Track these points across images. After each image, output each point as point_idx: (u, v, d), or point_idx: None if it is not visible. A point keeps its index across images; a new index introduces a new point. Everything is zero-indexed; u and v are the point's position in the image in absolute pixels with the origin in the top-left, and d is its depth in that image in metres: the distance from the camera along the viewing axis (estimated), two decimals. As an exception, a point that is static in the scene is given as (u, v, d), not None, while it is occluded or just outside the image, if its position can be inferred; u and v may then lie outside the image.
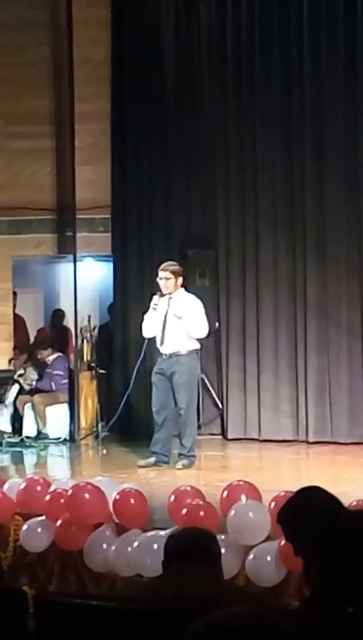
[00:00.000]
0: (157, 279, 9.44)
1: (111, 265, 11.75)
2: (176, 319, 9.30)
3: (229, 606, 1.97)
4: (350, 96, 10.69)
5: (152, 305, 9.39)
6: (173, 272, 9.43)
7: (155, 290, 9.54)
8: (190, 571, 3.62)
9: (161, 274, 9.42)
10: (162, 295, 9.39)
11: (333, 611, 3.08)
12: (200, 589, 3.47)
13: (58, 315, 13.04)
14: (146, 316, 9.48)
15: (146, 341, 9.57)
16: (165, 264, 9.54)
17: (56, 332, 12.67)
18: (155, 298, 9.41)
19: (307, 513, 3.75)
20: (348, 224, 10.73)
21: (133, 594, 3.95)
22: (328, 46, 10.74)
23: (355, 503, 5.94)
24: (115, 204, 11.58)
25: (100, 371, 11.62)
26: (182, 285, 9.53)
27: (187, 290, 9.58)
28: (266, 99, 11.01)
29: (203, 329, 9.39)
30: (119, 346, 11.45)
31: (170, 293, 9.39)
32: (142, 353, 9.70)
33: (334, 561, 3.12)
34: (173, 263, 9.62)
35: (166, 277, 9.39)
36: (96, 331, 11.82)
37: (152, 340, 9.48)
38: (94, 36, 11.63)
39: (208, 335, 9.66)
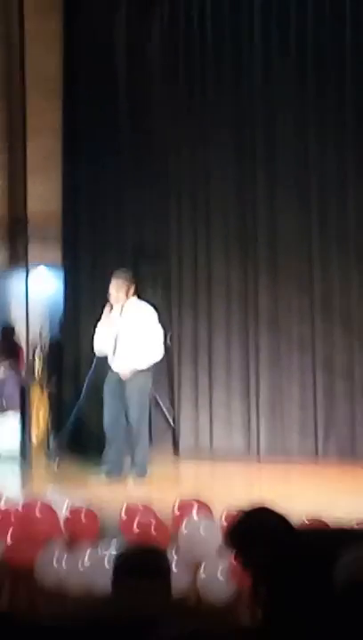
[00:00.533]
0: (109, 289, 9.43)
1: (62, 275, 11.71)
2: (128, 335, 9.28)
3: (175, 624, 1.96)
4: (301, 108, 10.72)
5: (103, 317, 9.40)
6: (124, 280, 9.44)
7: (106, 301, 9.52)
8: (139, 589, 3.61)
9: (113, 282, 9.45)
10: (112, 308, 9.37)
11: (284, 629, 3.08)
12: (149, 607, 3.46)
13: (7, 331, 12.91)
14: (97, 329, 9.45)
15: (97, 355, 9.53)
16: (116, 272, 9.55)
17: (7, 349, 12.54)
18: (106, 310, 9.42)
19: (255, 532, 3.75)
20: (299, 237, 10.77)
21: (82, 612, 3.93)
22: (280, 58, 10.78)
23: (305, 521, 5.95)
24: (66, 217, 11.55)
25: (50, 386, 11.56)
26: (134, 294, 9.52)
27: (140, 298, 9.58)
28: (218, 113, 11.03)
29: (156, 354, 9.41)
30: (70, 360, 11.39)
31: (122, 304, 9.37)
32: (92, 367, 9.65)
33: (282, 578, 3.12)
34: (125, 270, 9.64)
35: (118, 286, 9.40)
36: (46, 345, 11.74)
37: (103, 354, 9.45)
38: (46, 48, 11.58)
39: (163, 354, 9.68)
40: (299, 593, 3.08)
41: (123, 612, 3.46)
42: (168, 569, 3.87)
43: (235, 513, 4.12)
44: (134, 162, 11.32)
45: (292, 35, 10.76)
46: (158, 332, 9.42)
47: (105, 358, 9.44)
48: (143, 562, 3.76)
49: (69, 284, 11.52)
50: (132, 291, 9.46)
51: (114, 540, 6.46)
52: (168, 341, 10.73)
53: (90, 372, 9.75)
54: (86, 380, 9.89)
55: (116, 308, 9.37)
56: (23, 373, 11.67)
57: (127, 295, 9.41)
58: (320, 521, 5.95)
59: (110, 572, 3.90)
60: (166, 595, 3.82)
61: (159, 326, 9.46)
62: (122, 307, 9.38)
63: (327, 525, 5.70)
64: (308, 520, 5.96)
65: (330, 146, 10.68)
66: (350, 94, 10.59)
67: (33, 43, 11.43)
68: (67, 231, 11.55)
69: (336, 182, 10.65)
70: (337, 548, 3.17)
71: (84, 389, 10.04)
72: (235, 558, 4.13)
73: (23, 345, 11.58)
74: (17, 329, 12.39)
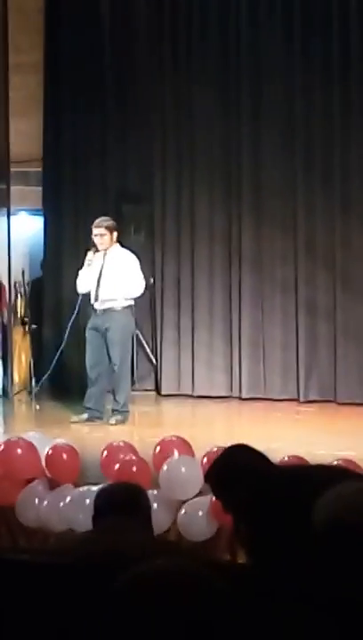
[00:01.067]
0: (92, 235, 9.38)
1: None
2: (111, 275, 9.26)
3: (155, 560, 1.97)
4: (288, 49, 10.64)
5: (86, 261, 9.35)
6: (107, 227, 9.37)
7: (89, 245, 9.48)
8: (120, 525, 3.63)
9: (95, 230, 9.36)
10: (97, 251, 9.34)
11: (266, 566, 3.11)
12: (129, 543, 3.48)
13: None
14: (80, 272, 9.43)
15: (80, 297, 9.51)
16: (98, 220, 9.47)
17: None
18: (89, 254, 9.37)
19: (234, 470, 3.77)
20: (284, 180, 10.73)
21: (63, 548, 3.95)
22: (267, 9, 10.69)
23: (286, 459, 5.99)
24: (47, 158, 11.46)
25: (33, 326, 11.53)
26: (117, 241, 9.48)
27: (122, 245, 9.54)
28: (202, 53, 10.95)
29: (138, 288, 9.37)
30: (52, 302, 11.37)
31: (105, 249, 9.34)
32: (76, 309, 9.64)
33: (263, 516, 3.14)
34: (107, 219, 9.55)
35: (101, 234, 9.34)
36: (29, 286, 11.71)
37: (86, 295, 9.43)
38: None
39: (144, 293, 9.64)
40: (279, 530, 3.11)
41: (103, 549, 3.49)
42: (148, 506, 3.90)
43: (216, 451, 4.14)
44: (118, 104, 11.24)
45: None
46: (140, 274, 9.39)
47: (87, 301, 9.42)
48: (123, 498, 3.78)
49: (51, 227, 11.46)
50: (115, 237, 9.41)
51: (96, 479, 6.49)
52: (151, 282, 10.73)
53: (73, 314, 9.73)
54: (70, 321, 9.88)
55: (99, 254, 9.33)
56: (5, 313, 11.65)
57: (110, 242, 9.36)
58: (300, 458, 6.00)
59: (91, 510, 3.92)
60: (147, 531, 3.85)
61: (140, 272, 9.42)
62: (105, 252, 9.34)
63: (306, 463, 5.74)
64: (288, 457, 6.01)
65: (316, 88, 10.61)
66: (338, 44, 10.48)
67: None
68: (48, 174, 11.49)
69: (322, 125, 10.59)
70: (317, 484, 3.20)
71: (67, 331, 10.03)
72: (215, 496, 4.16)
73: (5, 286, 11.54)
74: (-1, 269, 12.33)
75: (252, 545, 3.31)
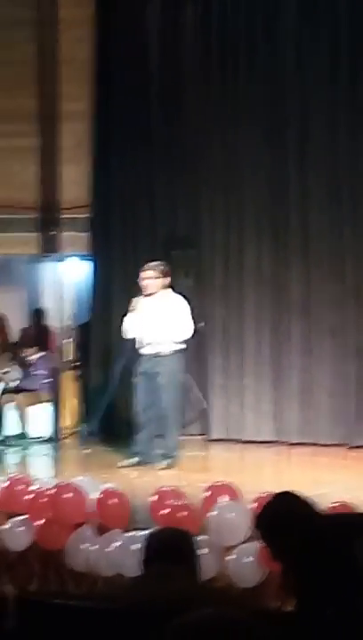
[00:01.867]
0: (142, 279, 9.43)
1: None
2: (160, 320, 9.30)
3: (205, 607, 1.99)
4: (334, 98, 10.70)
5: (130, 308, 9.39)
6: (159, 272, 9.41)
7: (138, 290, 9.52)
8: (168, 571, 3.64)
9: (147, 273, 9.41)
10: (147, 295, 9.38)
11: (314, 614, 3.10)
12: (177, 590, 3.49)
13: (39, 314, 13.01)
14: (125, 319, 9.47)
15: (127, 342, 9.56)
16: (150, 264, 9.52)
17: (39, 331, 12.64)
18: (134, 300, 9.42)
19: (284, 518, 3.76)
20: (331, 224, 10.74)
21: (112, 594, 3.97)
22: (313, 47, 10.76)
23: (333, 505, 5.96)
24: (96, 204, 11.58)
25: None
26: (169, 286, 9.52)
27: (173, 290, 9.57)
28: (251, 100, 11.02)
29: (187, 331, 9.40)
30: (100, 346, 11.44)
31: (154, 293, 9.38)
32: (125, 353, 9.68)
33: (310, 565, 3.14)
34: (160, 263, 9.58)
35: (152, 277, 9.39)
36: (77, 331, 11.81)
37: (133, 340, 9.47)
38: (80, 34, 11.62)
39: (193, 335, 9.66)
40: (327, 578, 3.10)
41: (151, 595, 3.50)
42: (196, 552, 3.90)
43: (264, 497, 4.14)
44: (166, 149, 11.34)
45: (324, 19, 10.70)
46: (189, 319, 9.41)
47: (135, 344, 9.46)
48: (171, 543, 3.79)
49: (99, 271, 11.56)
50: (166, 282, 9.45)
51: (145, 524, 6.50)
52: (200, 327, 10.75)
53: (120, 357, 9.77)
54: (118, 366, 9.92)
55: (149, 298, 9.37)
56: (55, 356, 11.75)
57: (158, 286, 9.40)
58: (345, 505, 5.96)
59: (140, 555, 3.94)
60: (194, 577, 3.86)
61: (190, 316, 9.44)
62: (154, 297, 9.38)
63: (351, 510, 5.71)
64: (335, 504, 5.97)
65: (362, 133, 10.63)
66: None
67: (66, 28, 11.48)
68: (97, 218, 11.59)
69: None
70: (360, 531, 3.19)
71: (115, 374, 10.08)
72: (265, 544, 4.16)
73: (56, 330, 11.66)
74: (48, 314, 12.48)
75: (300, 593, 3.30)
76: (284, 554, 3.63)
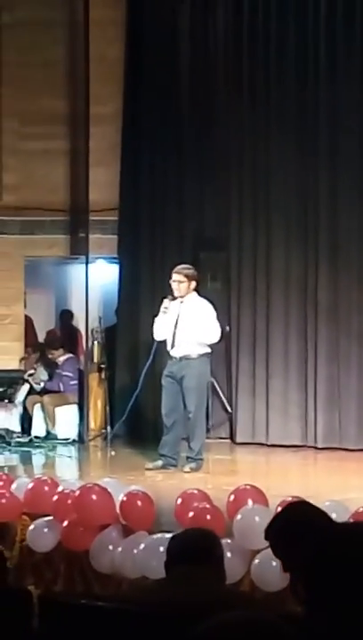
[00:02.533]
0: (171, 281, 9.44)
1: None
2: (188, 323, 9.30)
3: (230, 610, 1.98)
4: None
5: (162, 308, 9.39)
6: (186, 275, 9.41)
7: (167, 292, 9.53)
8: (193, 574, 3.62)
9: (174, 276, 9.41)
10: (173, 298, 9.39)
11: (324, 626, 3.06)
12: (202, 593, 3.48)
13: (66, 315, 13.04)
14: (156, 319, 9.48)
15: (155, 344, 9.57)
16: (179, 267, 9.52)
17: (66, 333, 12.68)
18: (165, 301, 9.41)
19: (294, 528, 3.69)
20: (360, 229, 10.71)
21: (137, 596, 3.96)
22: (345, 53, 10.73)
23: (361, 510, 5.93)
24: (123, 207, 11.60)
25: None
26: (195, 290, 9.52)
27: (199, 294, 9.58)
28: (281, 101, 11.01)
29: (215, 335, 9.39)
30: (126, 348, 11.46)
31: (181, 297, 9.39)
32: (151, 355, 9.70)
33: (321, 576, 3.10)
34: (189, 267, 9.58)
35: (180, 280, 9.39)
36: (104, 333, 11.83)
37: (162, 342, 9.48)
38: (110, 36, 11.65)
39: (220, 340, 9.66)
40: (338, 592, 3.06)
41: (176, 598, 3.49)
42: (221, 554, 3.87)
43: (290, 501, 4.10)
44: (194, 151, 11.34)
45: (357, 28, 10.68)
46: (215, 322, 9.41)
47: (163, 347, 9.47)
48: (196, 546, 3.76)
49: (127, 274, 11.57)
50: (193, 286, 9.45)
51: (170, 526, 6.49)
52: (227, 330, 10.76)
53: (148, 360, 9.80)
54: (145, 368, 9.94)
55: (176, 302, 9.38)
56: (82, 358, 11.77)
57: (187, 289, 9.40)
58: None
59: (164, 558, 3.92)
60: (220, 580, 3.83)
61: (216, 320, 9.44)
62: (181, 301, 9.39)
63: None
64: (360, 510, 5.94)
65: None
66: None
67: (96, 31, 11.50)
68: (125, 222, 11.61)
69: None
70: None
71: (141, 376, 10.10)
72: (274, 555, 4.06)
73: (83, 332, 11.68)
74: (75, 315, 12.50)
75: (309, 607, 3.26)
76: (295, 565, 3.57)
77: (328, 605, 2.99)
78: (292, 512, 3.89)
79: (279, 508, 6.09)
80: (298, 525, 3.69)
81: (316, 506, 3.88)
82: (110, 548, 6.46)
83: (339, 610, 2.97)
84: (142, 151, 11.51)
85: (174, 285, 9.39)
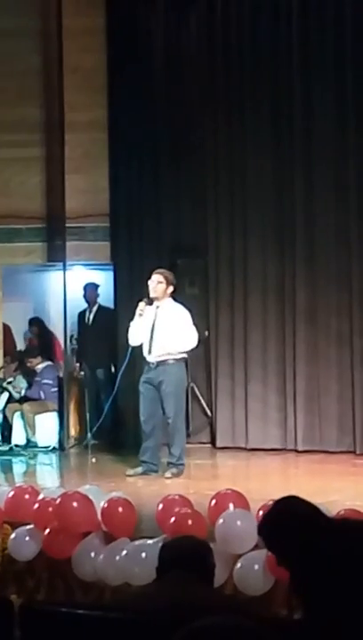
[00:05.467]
0: (149, 281, 9.43)
1: (99, 273, 11.80)
2: (164, 329, 9.29)
3: (212, 616, 1.97)
4: (340, 104, 10.68)
5: (138, 311, 9.38)
6: (166, 278, 9.43)
7: (143, 297, 9.52)
8: (186, 579, 3.61)
9: (154, 277, 9.42)
10: (149, 302, 9.38)
11: (321, 619, 3.08)
12: (195, 599, 3.47)
13: (37, 322, 12.96)
14: (132, 324, 9.47)
15: (130, 348, 9.55)
16: (159, 269, 9.55)
17: (41, 340, 12.62)
18: (141, 304, 9.40)
19: (286, 522, 3.72)
20: (337, 231, 10.74)
21: (124, 602, 3.94)
22: (319, 55, 10.75)
23: (342, 512, 5.94)
24: (112, 213, 11.61)
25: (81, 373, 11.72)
26: (172, 295, 9.52)
27: (175, 300, 9.58)
28: (256, 108, 11.04)
29: (192, 341, 9.39)
30: (105, 353, 11.47)
31: (157, 299, 9.38)
32: (127, 358, 9.67)
33: (316, 569, 3.11)
34: (169, 271, 9.62)
35: (159, 281, 9.39)
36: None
37: (138, 347, 9.47)
38: (84, 44, 11.64)
39: (198, 344, 9.66)
40: (333, 583, 3.08)
41: (160, 604, 3.48)
42: (214, 563, 3.87)
43: (271, 505, 4.10)
44: (172, 158, 11.36)
45: (329, 30, 10.70)
46: (192, 328, 9.40)
47: (140, 352, 9.46)
48: (192, 554, 3.75)
49: (117, 278, 11.59)
50: (169, 290, 9.45)
51: (151, 532, 6.48)
52: (206, 335, 10.77)
53: (124, 364, 9.78)
54: (121, 370, 9.94)
55: (151, 307, 9.37)
56: (61, 366, 11.75)
57: (164, 292, 9.40)
58: (358, 511, 5.94)
59: (148, 564, 3.91)
60: (211, 587, 3.83)
61: (193, 326, 9.43)
62: (157, 306, 9.38)
63: (362, 517, 5.68)
64: (345, 511, 5.96)
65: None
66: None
67: (71, 39, 11.50)
68: (113, 227, 11.60)
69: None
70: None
71: (118, 380, 10.10)
72: (268, 549, 4.11)
73: (61, 339, 11.65)
74: (52, 322, 12.47)
75: (306, 598, 3.28)
76: (289, 558, 3.60)
77: (326, 595, 3.00)
78: (284, 506, 3.91)
79: (261, 512, 6.10)
80: (290, 519, 3.72)
81: (306, 500, 3.90)
82: (92, 555, 6.44)
83: (337, 599, 2.98)
84: (120, 159, 11.55)
85: (152, 285, 9.39)
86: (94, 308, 11.91)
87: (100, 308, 11.89)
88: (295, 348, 10.78)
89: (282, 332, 10.92)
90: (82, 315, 12.00)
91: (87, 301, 11.98)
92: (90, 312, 11.93)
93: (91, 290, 11.97)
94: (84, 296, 11.97)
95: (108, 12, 11.68)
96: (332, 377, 10.69)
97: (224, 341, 11.14)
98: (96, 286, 11.97)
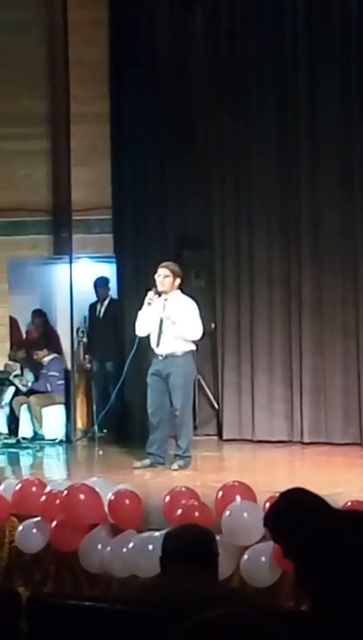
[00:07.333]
0: (155, 276, 9.42)
1: (105, 266, 11.79)
2: (171, 320, 9.29)
3: (217, 608, 1.97)
4: (344, 97, 10.67)
5: (147, 299, 9.36)
6: (172, 271, 9.41)
7: (150, 287, 9.51)
8: (190, 572, 3.61)
9: (160, 271, 9.40)
10: (157, 292, 9.36)
11: (328, 610, 3.08)
12: (199, 591, 3.47)
13: (41, 315, 12.93)
14: (140, 313, 9.46)
15: (137, 339, 9.55)
16: (165, 262, 9.54)
17: (44, 333, 12.60)
18: (150, 293, 9.38)
19: (293, 514, 3.73)
20: (342, 224, 10.72)
21: (130, 595, 3.95)
22: (324, 52, 10.73)
23: (349, 504, 5.95)
24: (115, 206, 11.60)
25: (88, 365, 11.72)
26: (179, 287, 9.51)
27: (183, 292, 9.57)
28: (261, 99, 11.02)
29: (197, 332, 9.38)
30: (113, 346, 11.47)
31: (165, 292, 9.37)
32: (134, 348, 9.66)
33: (322, 560, 3.12)
34: (174, 264, 9.61)
35: (165, 274, 9.38)
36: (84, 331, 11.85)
37: (145, 339, 9.46)
38: (89, 37, 11.64)
39: (203, 336, 9.65)
40: (339, 574, 3.08)
41: (167, 596, 3.48)
42: (217, 552, 3.87)
43: (278, 497, 4.10)
44: (177, 151, 11.36)
45: (335, 30, 10.68)
46: (198, 320, 9.39)
47: (147, 343, 9.46)
48: (194, 543, 3.74)
49: (120, 270, 11.57)
50: (177, 283, 9.44)
51: (158, 524, 6.49)
52: (212, 327, 10.77)
53: (131, 354, 9.77)
54: (126, 363, 9.94)
55: (159, 299, 9.36)
56: (67, 359, 11.75)
57: (171, 285, 9.39)
58: (361, 504, 5.94)
59: (155, 556, 3.91)
60: (215, 579, 3.83)
61: (199, 318, 9.42)
62: (165, 298, 9.37)
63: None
64: (352, 502, 5.96)
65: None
66: None
67: (76, 32, 11.49)
68: (116, 220, 11.60)
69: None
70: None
71: (125, 368, 10.08)
72: (274, 541, 4.11)
73: (68, 331, 11.65)
74: (59, 315, 12.47)
75: (312, 589, 3.28)
76: (295, 550, 3.60)
77: (332, 587, 3.01)
78: (290, 498, 3.91)
79: (268, 504, 6.10)
80: (297, 510, 3.72)
81: (313, 492, 3.90)
82: (99, 547, 6.45)
83: (343, 590, 2.99)
84: (126, 151, 11.52)
85: (159, 280, 9.38)
86: (106, 302, 11.88)
87: (112, 300, 11.86)
88: (301, 341, 10.78)
89: (288, 325, 10.92)
90: (93, 307, 11.99)
91: (98, 297, 11.96)
92: (101, 305, 11.91)
93: (102, 286, 11.94)
94: (96, 293, 11.96)
95: (113, 5, 11.67)
96: (338, 369, 10.69)
97: (230, 334, 11.15)
98: (107, 281, 11.93)
